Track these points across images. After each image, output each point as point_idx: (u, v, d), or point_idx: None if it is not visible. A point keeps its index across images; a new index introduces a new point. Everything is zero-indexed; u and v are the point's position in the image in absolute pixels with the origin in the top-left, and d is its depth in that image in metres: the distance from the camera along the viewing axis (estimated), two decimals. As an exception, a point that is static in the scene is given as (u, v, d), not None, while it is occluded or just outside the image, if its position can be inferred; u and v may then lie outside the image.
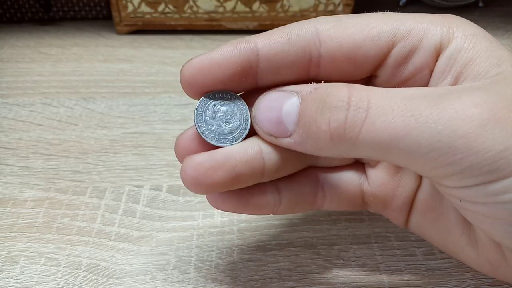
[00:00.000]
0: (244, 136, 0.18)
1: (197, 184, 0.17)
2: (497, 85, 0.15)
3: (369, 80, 0.19)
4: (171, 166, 0.28)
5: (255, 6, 0.41)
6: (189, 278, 0.22)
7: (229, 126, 0.18)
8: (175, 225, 0.25)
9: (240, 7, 0.41)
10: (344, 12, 0.40)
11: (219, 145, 0.18)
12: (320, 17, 0.18)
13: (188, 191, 0.27)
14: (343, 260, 0.23)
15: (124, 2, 0.40)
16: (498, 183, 0.14)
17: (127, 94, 0.35)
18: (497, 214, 0.15)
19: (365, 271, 0.22)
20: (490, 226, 0.16)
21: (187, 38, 0.42)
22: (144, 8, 0.41)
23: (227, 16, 0.41)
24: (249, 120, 0.18)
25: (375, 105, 0.15)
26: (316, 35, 0.17)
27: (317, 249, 0.24)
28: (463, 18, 0.18)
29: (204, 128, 0.18)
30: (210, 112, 0.18)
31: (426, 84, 0.18)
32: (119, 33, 0.42)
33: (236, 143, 0.18)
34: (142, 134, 0.31)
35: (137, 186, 0.27)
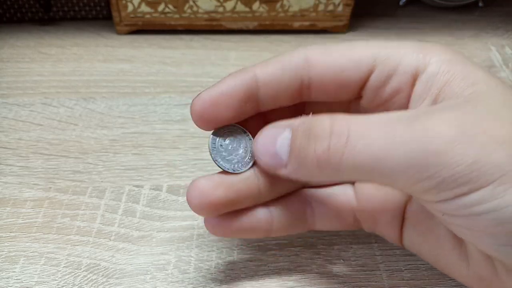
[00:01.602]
0: (251, 163, 0.20)
1: (201, 204, 0.19)
2: (470, 102, 0.16)
3: (356, 101, 0.21)
4: (171, 166, 0.28)
5: (255, 6, 0.41)
6: (189, 278, 0.22)
7: (241, 149, 0.20)
8: (175, 225, 0.25)
9: (240, 7, 0.41)
10: (344, 12, 0.40)
11: (232, 172, 0.20)
12: (310, 46, 0.20)
13: (188, 191, 0.27)
14: (343, 260, 0.23)
15: (124, 2, 0.40)
16: (472, 195, 0.15)
17: (127, 94, 0.35)
18: (476, 226, 0.16)
19: (365, 271, 0.22)
20: (473, 238, 0.17)
21: (187, 38, 0.42)
22: (144, 8, 0.41)
23: (227, 16, 0.41)
24: (248, 133, 0.21)
25: (355, 131, 0.16)
26: (306, 60, 0.19)
27: (317, 249, 0.24)
28: (442, 45, 0.19)
29: (225, 164, 0.20)
30: (222, 148, 0.20)
31: (406, 105, 0.19)
32: (119, 33, 0.42)
33: (246, 169, 0.20)
34: (142, 134, 0.31)
35: (137, 186, 0.27)
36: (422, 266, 0.23)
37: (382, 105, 0.20)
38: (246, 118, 0.20)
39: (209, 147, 0.20)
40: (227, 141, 0.20)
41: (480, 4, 0.46)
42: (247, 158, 0.20)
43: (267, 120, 0.21)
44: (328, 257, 0.23)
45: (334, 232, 0.24)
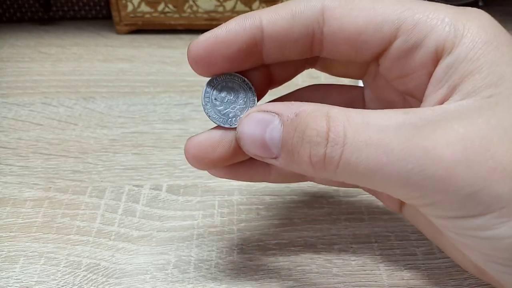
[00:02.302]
0: None
1: (200, 162, 0.18)
2: (485, 111, 0.15)
3: (375, 62, 0.19)
4: (171, 165, 0.28)
5: (255, 5, 0.40)
6: (189, 278, 0.22)
7: (236, 108, 0.18)
8: (175, 224, 0.25)
9: (240, 7, 0.41)
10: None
11: (228, 127, 0.19)
12: None
13: (188, 191, 0.27)
14: (343, 259, 0.23)
15: (124, 1, 0.40)
16: (468, 220, 0.15)
17: (127, 94, 0.35)
18: (469, 243, 0.16)
19: (365, 270, 0.22)
20: (465, 250, 0.17)
21: (187, 37, 0.42)
22: (144, 7, 0.41)
23: (227, 16, 0.41)
24: (255, 98, 0.19)
25: (350, 140, 0.15)
26: (321, 13, 0.17)
27: (317, 248, 0.24)
28: (485, 17, 0.16)
29: (220, 118, 0.18)
30: (216, 97, 0.18)
31: (426, 84, 0.17)
32: (119, 32, 0.42)
33: None
34: (142, 134, 0.31)
35: (137, 186, 0.27)
36: (422, 266, 0.23)
37: (400, 78, 0.18)
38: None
39: (202, 99, 0.18)
40: (223, 93, 0.18)
41: (480, 3, 0.46)
42: (246, 111, 0.18)
43: (270, 73, 0.20)
44: (328, 256, 0.23)
45: (334, 232, 0.24)
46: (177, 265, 0.23)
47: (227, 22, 0.18)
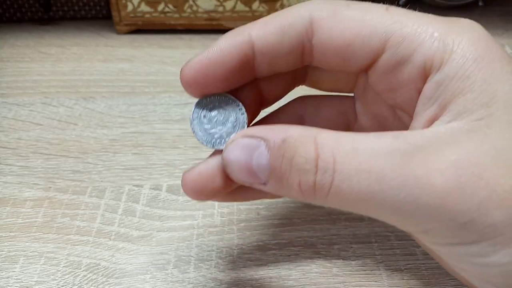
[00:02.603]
0: None
1: (199, 195, 0.18)
2: (475, 137, 0.14)
3: (363, 77, 0.19)
4: (171, 165, 0.28)
5: (255, 5, 0.40)
6: (189, 278, 0.22)
7: (226, 127, 0.18)
8: (175, 224, 0.25)
9: (240, 7, 0.41)
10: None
11: (210, 147, 0.18)
12: (318, 0, 0.17)
13: (188, 191, 0.27)
14: (343, 259, 0.23)
15: (123, 1, 0.40)
16: (462, 246, 0.15)
17: (127, 94, 0.35)
18: (461, 264, 0.16)
19: (365, 270, 0.22)
20: (456, 267, 0.17)
21: (186, 37, 0.42)
22: (144, 7, 0.41)
23: (227, 16, 0.41)
24: (246, 123, 0.18)
25: (341, 168, 0.15)
26: (309, 25, 0.17)
27: (317, 248, 0.24)
28: (476, 29, 0.16)
29: (204, 137, 0.18)
30: (205, 115, 0.18)
31: (415, 99, 0.17)
32: (119, 32, 0.42)
33: None
34: (142, 134, 0.31)
35: (137, 186, 0.27)
36: (422, 266, 0.23)
37: (389, 92, 0.18)
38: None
39: (190, 116, 0.18)
40: (213, 113, 0.18)
41: (480, 3, 0.46)
42: (233, 134, 0.18)
43: (260, 89, 0.19)
44: (328, 256, 0.23)
45: (334, 232, 0.24)
46: (177, 265, 0.23)
47: (217, 42, 0.17)
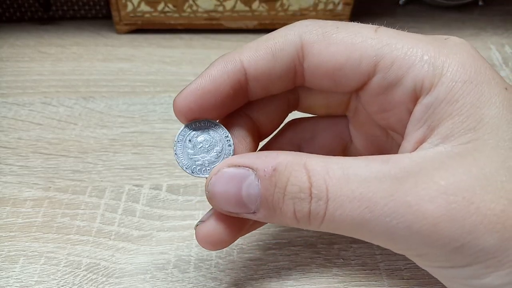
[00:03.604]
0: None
1: (215, 246, 0.18)
2: (463, 161, 0.14)
3: (354, 99, 0.19)
4: (170, 165, 0.28)
5: (255, 5, 0.40)
6: (189, 277, 0.22)
7: (210, 156, 0.18)
8: (175, 224, 0.25)
9: (240, 6, 0.41)
10: (343, 11, 0.40)
11: (189, 173, 0.18)
12: (307, 22, 0.17)
13: (188, 191, 0.27)
14: (342, 259, 0.23)
15: (123, 1, 0.40)
16: (454, 269, 0.15)
17: (126, 94, 0.35)
18: (454, 282, 0.16)
19: (365, 270, 0.22)
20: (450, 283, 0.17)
21: (186, 37, 0.42)
22: (144, 7, 0.41)
23: (227, 15, 0.41)
24: (230, 139, 0.18)
25: (333, 196, 0.15)
26: (300, 49, 0.17)
27: (317, 248, 0.24)
28: (466, 51, 0.16)
29: (185, 161, 0.18)
30: (191, 139, 0.18)
31: (406, 120, 0.17)
32: (119, 32, 0.42)
33: (205, 176, 0.18)
34: (142, 134, 0.31)
35: (136, 186, 0.27)
36: (422, 265, 0.23)
37: (381, 113, 0.18)
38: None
39: (175, 137, 0.18)
40: (199, 138, 0.18)
41: (480, 3, 0.46)
42: (215, 165, 0.17)
43: (253, 119, 0.20)
44: (328, 256, 0.23)
45: (334, 232, 0.24)
46: (177, 265, 0.23)
47: (208, 70, 0.17)
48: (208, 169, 0.18)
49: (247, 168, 0.16)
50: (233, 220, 0.18)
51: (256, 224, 0.21)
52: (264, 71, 0.17)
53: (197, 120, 0.18)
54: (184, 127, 0.18)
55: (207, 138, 0.18)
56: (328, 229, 0.16)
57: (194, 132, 0.18)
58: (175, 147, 0.18)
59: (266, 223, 0.22)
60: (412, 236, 0.14)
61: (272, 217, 0.16)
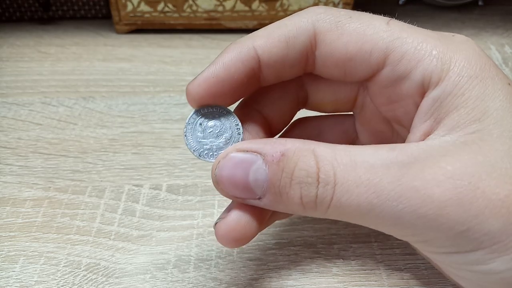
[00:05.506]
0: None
1: (238, 243, 0.17)
2: (469, 149, 0.15)
3: (361, 95, 0.20)
4: (170, 165, 0.28)
5: (255, 5, 0.40)
6: (189, 277, 0.22)
7: (218, 141, 0.18)
8: (175, 224, 0.25)
9: (240, 6, 0.41)
10: (343, 11, 0.40)
11: (196, 156, 0.18)
12: (320, 9, 0.17)
13: (187, 190, 0.27)
14: (342, 259, 0.23)
15: (123, 1, 0.40)
16: (459, 255, 0.15)
17: (126, 93, 0.35)
18: (457, 272, 0.16)
19: (365, 270, 0.22)
20: (458, 281, 0.17)
21: (186, 37, 0.42)
22: (144, 7, 0.41)
23: (227, 15, 0.41)
24: (240, 127, 0.18)
25: (341, 181, 0.15)
26: (313, 37, 0.17)
27: (317, 248, 0.24)
28: (472, 49, 0.16)
29: (193, 144, 0.18)
30: (201, 123, 0.18)
31: (413, 113, 0.17)
32: (119, 32, 0.42)
33: (212, 161, 0.18)
34: (142, 133, 0.31)
35: (136, 186, 0.27)
36: (422, 265, 0.23)
37: (388, 105, 0.18)
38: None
39: (187, 119, 0.18)
40: (210, 123, 0.18)
41: (480, 3, 0.46)
42: (222, 151, 0.17)
43: (264, 116, 0.20)
44: (328, 256, 0.23)
45: (334, 232, 0.24)
46: (177, 265, 0.23)
47: (221, 56, 0.17)
48: (215, 154, 0.18)
49: (255, 153, 0.16)
50: (254, 212, 0.17)
51: (274, 216, 0.20)
52: (277, 59, 0.17)
53: (209, 105, 0.18)
54: (196, 111, 0.18)
55: (218, 123, 0.18)
56: (334, 215, 0.16)
57: (205, 117, 0.18)
58: (185, 129, 0.18)
59: (285, 217, 0.21)
60: (419, 220, 0.14)
61: (278, 203, 0.16)
